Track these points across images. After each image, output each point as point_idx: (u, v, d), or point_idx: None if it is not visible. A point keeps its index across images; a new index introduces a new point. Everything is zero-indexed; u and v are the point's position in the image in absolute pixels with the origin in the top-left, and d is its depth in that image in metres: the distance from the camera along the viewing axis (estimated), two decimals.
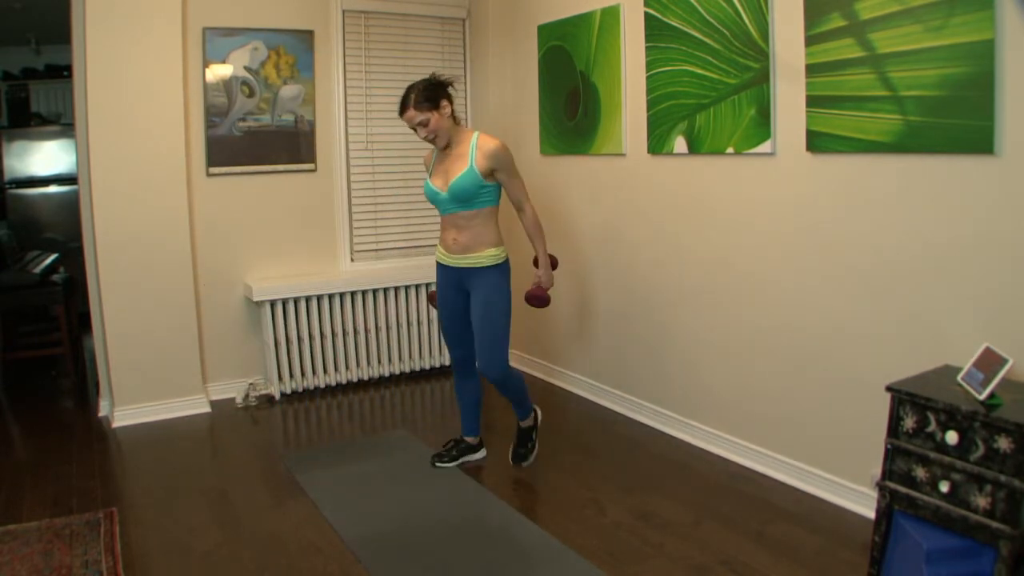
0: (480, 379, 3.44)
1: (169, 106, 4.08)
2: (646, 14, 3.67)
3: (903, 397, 2.29)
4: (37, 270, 5.09)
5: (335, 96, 4.64)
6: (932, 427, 2.22)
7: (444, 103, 3.09)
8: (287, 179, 4.57)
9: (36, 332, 5.53)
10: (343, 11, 4.60)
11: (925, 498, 2.23)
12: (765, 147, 3.16)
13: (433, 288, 3.57)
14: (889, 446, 2.32)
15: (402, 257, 4.93)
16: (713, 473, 3.37)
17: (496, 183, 3.17)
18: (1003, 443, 2.05)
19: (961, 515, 2.13)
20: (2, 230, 6.09)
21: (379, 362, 4.77)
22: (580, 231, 4.35)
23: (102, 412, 4.29)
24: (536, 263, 3.31)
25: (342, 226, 4.74)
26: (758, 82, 3.15)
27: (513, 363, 3.61)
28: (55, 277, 5.18)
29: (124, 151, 3.99)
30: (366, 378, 4.76)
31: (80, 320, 5.44)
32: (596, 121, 4.11)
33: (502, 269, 3.21)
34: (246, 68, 4.37)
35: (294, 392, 4.55)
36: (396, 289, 4.74)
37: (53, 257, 5.43)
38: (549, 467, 3.46)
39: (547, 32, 4.42)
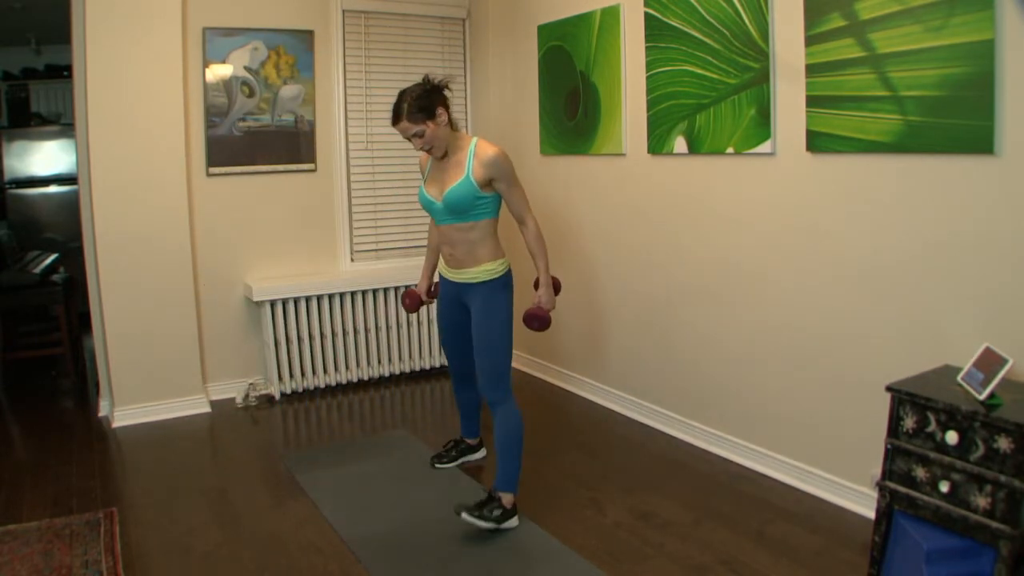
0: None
1: (169, 106, 4.08)
2: (646, 14, 3.67)
3: (903, 397, 2.29)
4: (37, 270, 5.08)
5: (335, 96, 4.64)
6: (932, 427, 2.22)
7: (440, 111, 2.84)
8: (287, 179, 4.57)
9: (36, 332, 5.52)
10: (343, 11, 4.60)
11: (925, 498, 2.22)
12: (765, 147, 3.16)
13: (411, 287, 3.45)
14: (889, 446, 2.32)
15: (402, 257, 4.93)
16: (713, 473, 3.37)
17: (495, 193, 2.93)
18: (1003, 443, 2.05)
19: (961, 515, 2.13)
20: (2, 230, 6.09)
21: (379, 362, 4.77)
22: (579, 231, 4.35)
23: (102, 412, 4.29)
24: (536, 285, 3.04)
25: (342, 226, 4.74)
26: (758, 82, 3.15)
27: (512, 363, 3.60)
28: (55, 277, 5.18)
29: (124, 151, 3.99)
30: (366, 378, 4.76)
31: (80, 320, 5.43)
32: (596, 121, 4.11)
33: (500, 283, 2.96)
34: (246, 68, 4.37)
35: (294, 392, 4.55)
36: (396, 289, 4.74)
37: (53, 257, 5.43)
38: (549, 467, 3.46)
39: (547, 32, 4.42)
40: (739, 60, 3.23)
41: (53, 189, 6.71)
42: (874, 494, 2.52)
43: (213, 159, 4.34)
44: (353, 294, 4.63)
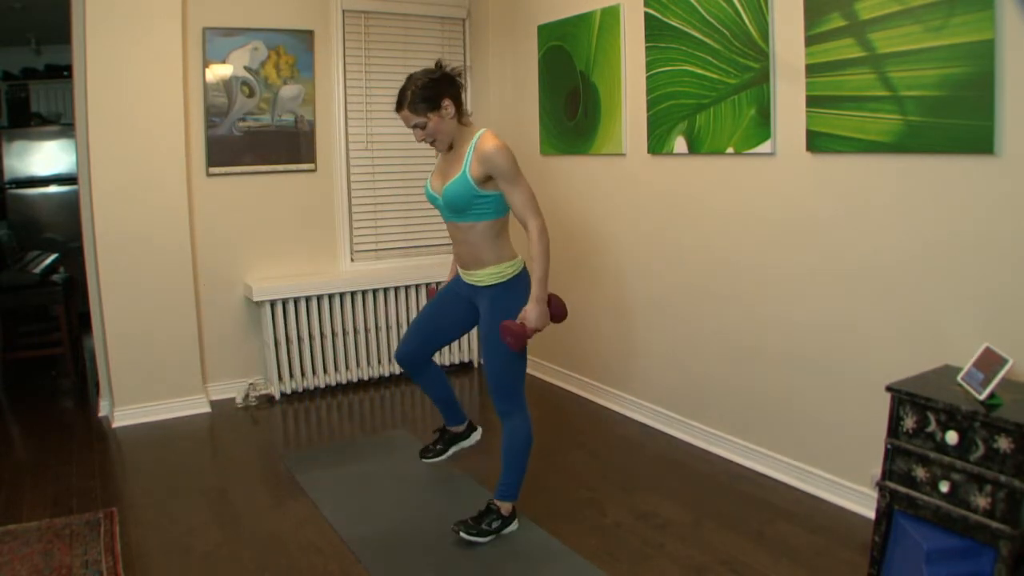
0: (438, 367, 3.09)
1: (169, 106, 4.08)
2: (646, 14, 3.67)
3: (903, 397, 2.29)
4: (37, 270, 5.08)
5: (335, 96, 4.64)
6: (932, 427, 2.22)
7: (446, 102, 2.61)
8: (287, 179, 4.57)
9: (36, 332, 5.52)
10: (343, 11, 4.60)
11: (925, 498, 2.22)
12: (765, 147, 3.16)
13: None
14: (889, 446, 2.32)
15: (402, 257, 4.93)
16: (713, 473, 3.37)
17: (498, 192, 2.65)
18: (1003, 443, 2.05)
19: (961, 515, 2.13)
20: (2, 230, 6.09)
21: (379, 362, 4.77)
22: (579, 231, 4.35)
23: (102, 412, 4.28)
24: (547, 300, 2.71)
25: (342, 226, 4.74)
26: (758, 82, 3.15)
27: None
28: (55, 277, 5.18)
29: (124, 151, 3.99)
30: (366, 378, 4.76)
31: (80, 320, 5.43)
32: (596, 121, 4.11)
33: (509, 286, 2.74)
34: (246, 68, 4.37)
35: (294, 392, 4.55)
36: (396, 289, 4.74)
37: (53, 257, 5.43)
38: (549, 467, 3.46)
39: (547, 32, 4.42)
40: (739, 60, 3.23)
41: (53, 189, 6.71)
42: (874, 494, 2.52)
43: (213, 159, 4.34)
44: (353, 294, 4.63)
